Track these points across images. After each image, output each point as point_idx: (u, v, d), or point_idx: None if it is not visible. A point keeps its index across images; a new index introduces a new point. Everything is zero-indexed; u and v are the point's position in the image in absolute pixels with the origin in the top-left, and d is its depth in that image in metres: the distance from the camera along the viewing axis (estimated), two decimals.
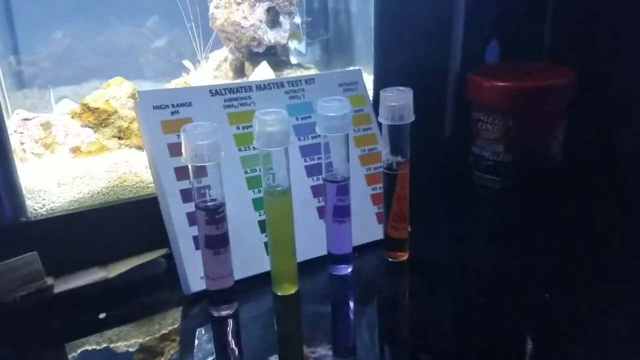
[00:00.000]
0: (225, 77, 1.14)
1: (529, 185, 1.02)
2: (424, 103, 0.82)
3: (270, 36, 1.04)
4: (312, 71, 1.10)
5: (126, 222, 0.86)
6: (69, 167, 0.87)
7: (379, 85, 1.04)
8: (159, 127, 0.82)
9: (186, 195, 0.81)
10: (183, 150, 0.68)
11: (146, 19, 1.38)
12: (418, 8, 1.01)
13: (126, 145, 0.92)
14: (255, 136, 0.73)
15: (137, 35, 1.39)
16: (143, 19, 1.38)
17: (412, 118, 0.79)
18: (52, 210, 0.83)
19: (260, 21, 1.01)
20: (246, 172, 0.87)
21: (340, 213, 0.81)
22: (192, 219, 0.80)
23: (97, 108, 0.89)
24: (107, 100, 0.90)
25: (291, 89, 0.95)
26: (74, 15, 1.30)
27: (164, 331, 0.74)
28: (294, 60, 1.20)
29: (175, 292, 0.81)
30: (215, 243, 0.71)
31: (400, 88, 0.79)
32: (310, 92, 0.96)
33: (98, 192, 0.86)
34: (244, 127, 0.89)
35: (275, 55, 1.10)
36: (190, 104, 0.86)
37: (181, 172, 0.81)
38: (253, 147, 0.87)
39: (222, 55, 1.17)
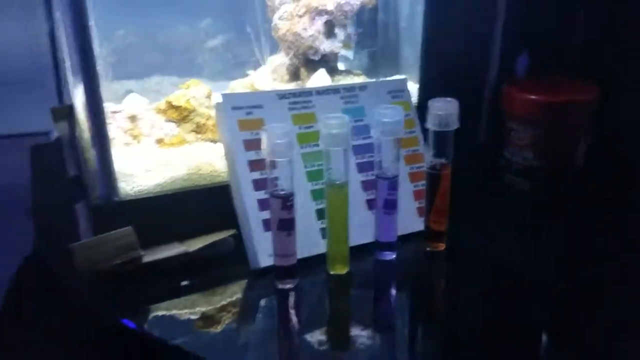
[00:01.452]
0: (281, 80, 1.27)
1: (555, 188, 1.13)
2: (463, 110, 0.94)
3: (326, 46, 1.16)
4: (361, 78, 1.22)
5: (201, 205, 0.99)
6: (155, 155, 1.01)
7: (424, 93, 1.16)
8: (236, 125, 0.95)
9: (257, 184, 0.94)
10: (263, 146, 0.81)
11: (209, 22, 1.52)
12: (459, 27, 1.13)
13: (202, 139, 1.05)
14: (320, 136, 0.85)
15: (198, 36, 1.53)
16: (207, 22, 1.52)
17: (456, 125, 0.91)
18: (139, 192, 0.97)
19: (318, 33, 1.14)
20: (306, 167, 0.99)
21: (389, 206, 0.93)
22: (261, 204, 0.93)
23: (180, 106, 1.02)
24: (188, 100, 1.03)
25: (346, 95, 1.07)
26: (137, 15, 1.43)
27: (237, 296, 0.88)
28: (341, 66, 1.32)
29: (243, 267, 0.94)
30: (287, 226, 0.84)
31: (447, 99, 0.91)
32: (362, 97, 1.08)
33: (179, 178, 1.00)
34: (305, 127, 1.01)
35: (327, 62, 1.22)
36: (261, 106, 0.99)
37: (254, 164, 0.94)
38: (313, 144, 1.00)
39: (279, 60, 1.29)
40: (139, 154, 1.01)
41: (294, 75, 1.24)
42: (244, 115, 0.97)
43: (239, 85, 1.30)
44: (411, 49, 1.20)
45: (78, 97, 1.01)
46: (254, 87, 1.24)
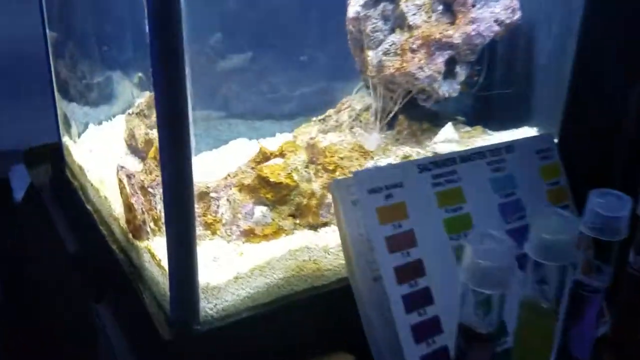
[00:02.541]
0: (364, 129, 0.99)
1: None
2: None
3: (444, 89, 0.89)
4: (478, 131, 0.95)
5: (306, 318, 0.71)
6: (244, 255, 0.71)
7: (567, 149, 0.90)
8: (375, 216, 0.67)
9: (410, 303, 0.66)
10: (463, 266, 0.53)
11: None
12: (616, 70, 0.88)
13: (300, 225, 0.76)
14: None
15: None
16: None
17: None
18: (225, 312, 0.68)
19: (439, 73, 0.87)
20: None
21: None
22: (417, 333, 0.65)
23: (279, 183, 0.73)
24: (289, 174, 0.74)
25: (493, 159, 0.81)
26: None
27: None
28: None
29: None
30: None
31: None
32: (510, 161, 0.82)
33: (274, 285, 0.71)
34: (452, 210, 0.74)
35: (424, 105, 0.95)
36: (401, 185, 0.71)
37: (402, 273, 0.66)
38: (464, 235, 0.74)
39: (362, 103, 1.02)
40: (220, 252, 0.71)
41: (388, 124, 0.97)
42: (383, 200, 0.69)
43: (302, 134, 1.02)
44: (545, 90, 0.94)
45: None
46: (318, 142, 0.96)
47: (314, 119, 1.08)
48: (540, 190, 0.86)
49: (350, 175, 0.82)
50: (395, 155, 0.83)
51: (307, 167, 0.78)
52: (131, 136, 0.92)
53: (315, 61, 1.24)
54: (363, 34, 0.95)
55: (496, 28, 0.87)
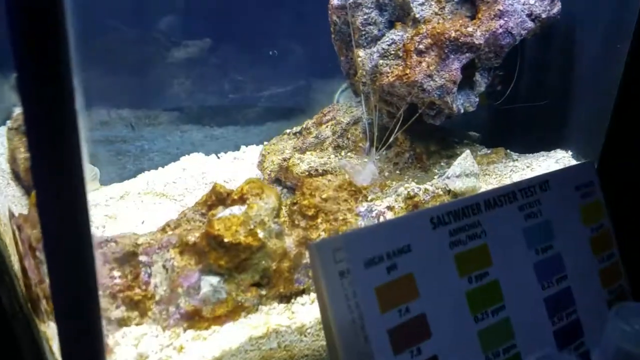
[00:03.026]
0: (352, 150, 0.77)
1: None
2: None
3: (460, 103, 0.68)
4: (501, 154, 0.75)
5: None
6: (185, 350, 0.50)
7: (608, 178, 0.71)
8: (375, 300, 0.47)
9: None
10: None
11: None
12: None
13: (267, 297, 0.55)
14: None
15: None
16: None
17: None
18: None
19: (453, 83, 0.65)
20: (487, 357, 0.53)
21: None
22: None
23: (237, 244, 0.51)
24: (252, 230, 0.52)
25: (525, 202, 0.61)
26: None
27: None
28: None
29: None
30: None
31: None
32: (545, 203, 0.63)
33: None
34: (476, 279, 0.54)
35: (435, 120, 0.74)
36: (408, 249, 0.50)
37: None
38: (493, 309, 0.55)
39: (349, 115, 0.80)
40: (150, 345, 0.50)
41: (377, 142, 0.75)
42: (385, 275, 0.48)
43: (273, 153, 0.80)
44: (584, 104, 0.74)
45: None
46: (292, 165, 0.74)
47: (288, 131, 0.86)
48: (582, 239, 0.67)
49: (337, 225, 0.61)
50: (396, 194, 0.62)
51: (277, 216, 0.56)
52: (12, 159, 0.68)
53: (290, 54, 1.02)
54: (351, 27, 0.73)
55: (529, 24, 0.66)
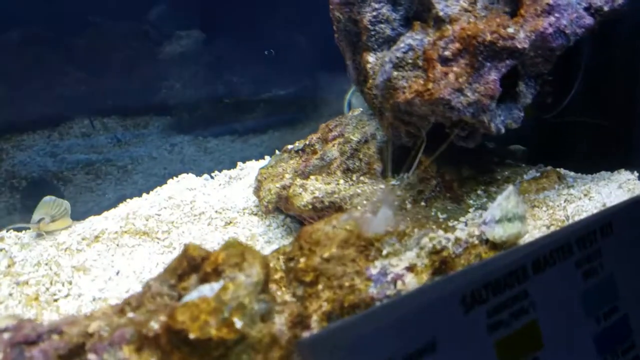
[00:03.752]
0: (366, 172, 0.63)
1: None
2: None
3: (499, 122, 0.53)
4: (552, 177, 0.60)
5: None
6: None
7: None
8: None
9: None
10: None
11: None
12: None
13: None
14: None
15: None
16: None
17: None
18: None
19: (491, 98, 0.51)
20: None
21: None
22: None
23: (208, 339, 0.39)
24: (227, 319, 0.40)
25: (583, 256, 0.47)
26: None
27: None
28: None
29: None
30: None
31: None
32: (607, 253, 0.49)
33: None
34: None
35: (467, 139, 0.59)
36: (433, 347, 0.38)
37: None
38: None
39: (359, 133, 0.66)
40: None
41: (394, 165, 0.61)
42: None
43: (270, 178, 0.67)
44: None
45: None
46: (293, 195, 0.61)
47: (290, 147, 0.73)
48: None
49: (342, 294, 0.48)
50: (418, 246, 0.49)
51: (263, 290, 0.44)
52: None
53: (293, 48, 0.87)
54: (359, 26, 0.58)
55: (587, 20, 0.50)
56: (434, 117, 0.53)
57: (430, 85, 0.51)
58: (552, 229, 0.53)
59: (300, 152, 0.71)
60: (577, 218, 0.54)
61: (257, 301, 0.43)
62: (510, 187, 0.52)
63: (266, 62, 0.84)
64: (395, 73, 0.53)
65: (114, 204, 0.74)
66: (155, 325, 0.42)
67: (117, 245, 0.65)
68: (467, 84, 0.51)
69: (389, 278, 0.47)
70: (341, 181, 0.66)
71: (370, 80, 0.58)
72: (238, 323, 0.41)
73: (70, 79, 0.91)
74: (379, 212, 0.51)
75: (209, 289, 0.42)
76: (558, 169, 0.60)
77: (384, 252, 0.50)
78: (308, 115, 0.83)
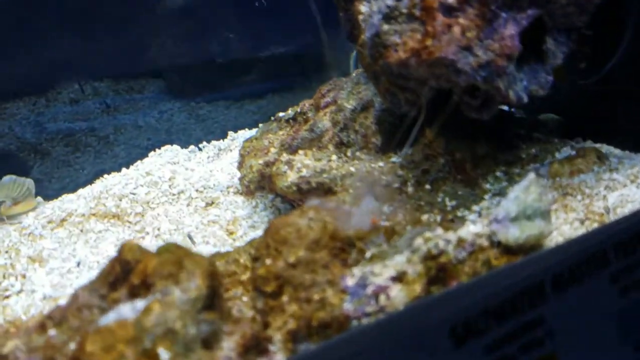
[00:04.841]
0: (363, 147, 0.53)
1: None
2: None
3: (520, 88, 0.42)
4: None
5: None
6: None
7: None
8: None
9: None
10: None
11: None
12: None
13: None
14: None
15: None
16: None
17: None
18: None
19: (508, 58, 0.39)
20: None
21: None
22: None
23: None
24: (148, 350, 0.31)
25: (621, 267, 0.37)
26: None
27: None
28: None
29: None
30: None
31: None
32: None
33: None
34: None
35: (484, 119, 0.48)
36: None
37: None
38: None
39: (355, 100, 0.55)
40: None
41: (392, 138, 0.51)
42: None
43: (254, 153, 0.58)
44: None
45: None
46: (276, 173, 0.52)
47: (281, 114, 0.62)
48: None
49: (310, 309, 0.38)
50: (410, 249, 0.39)
51: (208, 306, 0.35)
52: None
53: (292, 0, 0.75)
54: None
55: None
56: (435, 82, 0.42)
57: (429, 42, 0.40)
58: (588, 224, 0.42)
59: (290, 121, 0.61)
60: (620, 211, 0.42)
61: (196, 323, 0.35)
62: (531, 175, 0.41)
63: (264, 16, 0.73)
64: (385, 27, 0.42)
65: (90, 180, 0.67)
66: (68, 350, 0.34)
67: (81, 231, 0.57)
68: (477, 41, 0.40)
69: (369, 290, 0.37)
70: (333, 157, 0.56)
71: (362, 36, 0.47)
72: (164, 355, 0.33)
73: (64, 41, 0.84)
74: (362, 203, 0.41)
75: (129, 309, 0.34)
76: (598, 146, 0.48)
77: (368, 255, 0.40)
78: (311, 77, 0.73)
